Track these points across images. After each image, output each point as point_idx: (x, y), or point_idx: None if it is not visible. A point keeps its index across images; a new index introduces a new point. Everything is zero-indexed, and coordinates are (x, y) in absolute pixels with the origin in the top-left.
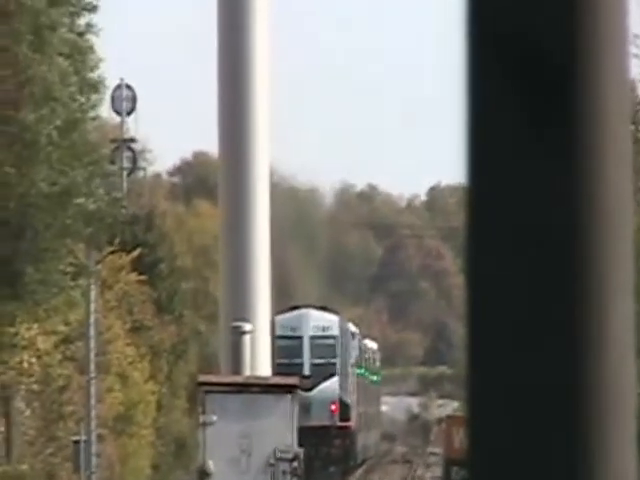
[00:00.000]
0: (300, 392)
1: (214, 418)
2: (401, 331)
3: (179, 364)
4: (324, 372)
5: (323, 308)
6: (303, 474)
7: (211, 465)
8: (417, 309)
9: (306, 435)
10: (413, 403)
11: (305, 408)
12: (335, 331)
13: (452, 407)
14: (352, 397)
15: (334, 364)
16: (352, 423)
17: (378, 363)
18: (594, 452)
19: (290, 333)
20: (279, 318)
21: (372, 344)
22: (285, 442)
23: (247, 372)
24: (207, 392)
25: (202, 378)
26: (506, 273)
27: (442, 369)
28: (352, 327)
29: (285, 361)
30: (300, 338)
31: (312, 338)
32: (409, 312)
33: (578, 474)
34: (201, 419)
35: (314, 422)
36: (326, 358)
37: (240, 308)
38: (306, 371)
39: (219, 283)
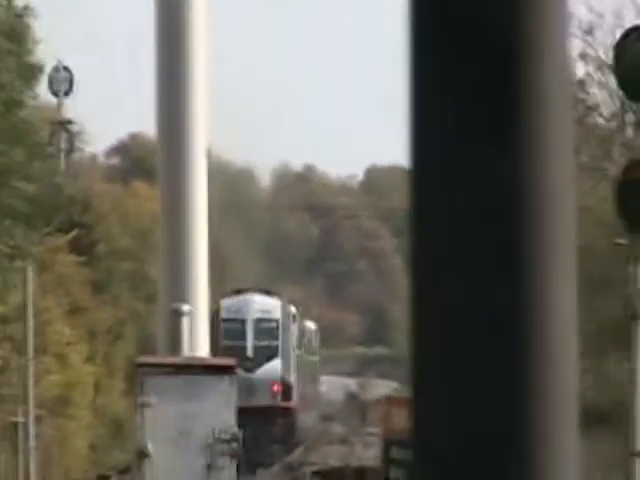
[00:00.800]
0: (244, 373)
1: (153, 399)
2: (339, 312)
3: (117, 345)
4: (266, 354)
5: (266, 292)
6: (242, 455)
7: (150, 446)
8: (355, 290)
9: (250, 415)
10: (351, 383)
11: (249, 389)
12: (277, 314)
13: (390, 387)
14: (293, 378)
15: (276, 346)
16: (293, 403)
17: (317, 344)
18: (537, 428)
19: (234, 316)
20: (224, 302)
21: (311, 325)
22: (224, 423)
23: (185, 353)
24: (145, 373)
25: (141, 359)
26: (449, 256)
27: (380, 349)
28: (293, 310)
29: (230, 343)
30: (243, 321)
31: (255, 321)
32: (347, 293)
33: (521, 453)
34: (139, 400)
35: (257, 402)
36: (268, 340)
37: (178, 290)
38: (249, 353)
39: (157, 265)
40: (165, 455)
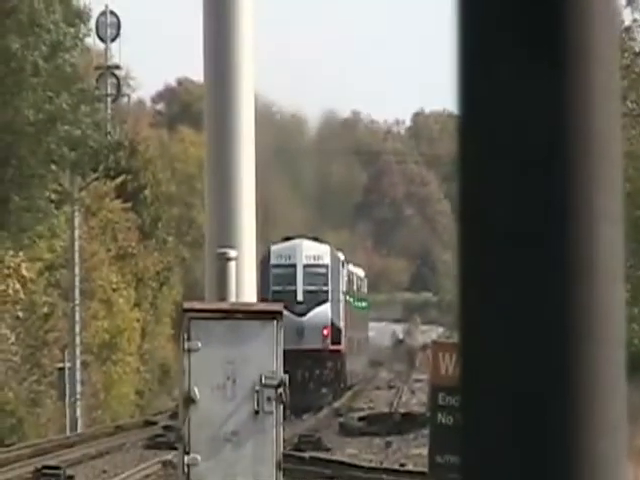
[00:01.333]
0: (294, 317)
1: (199, 344)
2: (386, 257)
3: (163, 291)
4: (316, 299)
5: (315, 239)
6: (289, 400)
7: (196, 391)
8: (401, 236)
9: (300, 358)
10: (398, 329)
11: (299, 333)
12: (326, 260)
13: (437, 333)
14: (342, 322)
15: (326, 291)
16: (342, 347)
17: (365, 290)
18: (584, 374)
19: (284, 262)
20: (274, 248)
21: (359, 271)
22: (270, 368)
23: (232, 299)
24: (192, 318)
25: (187, 304)
26: (498, 201)
27: (426, 295)
28: (342, 256)
29: (280, 288)
30: (294, 266)
31: (305, 266)
32: (394, 239)
33: (569, 399)
34: (185, 345)
35: (307, 345)
36: (318, 285)
37: (225, 235)
38: (300, 297)
39: (203, 210)
40: (211, 401)
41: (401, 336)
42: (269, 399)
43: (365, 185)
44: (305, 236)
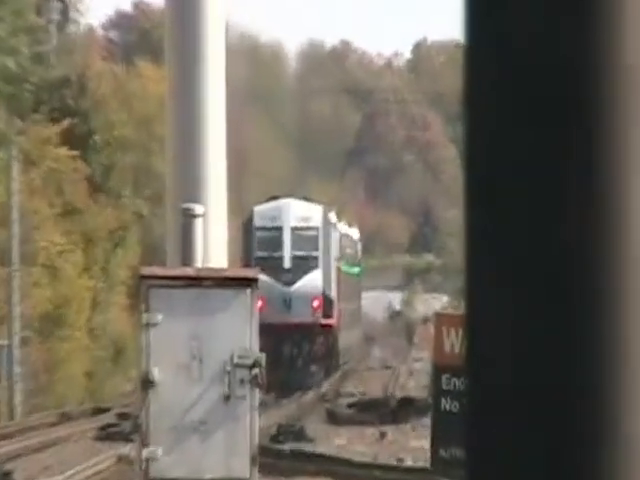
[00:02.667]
0: (280, 287)
1: (159, 317)
2: (382, 214)
3: (117, 254)
4: (306, 266)
5: (305, 198)
6: (265, 383)
7: (156, 372)
8: (400, 188)
9: (287, 332)
10: (394, 298)
11: (286, 304)
12: (317, 222)
13: (440, 302)
14: (335, 292)
15: (316, 257)
16: (334, 320)
17: (359, 254)
18: (606, 357)
19: (270, 224)
20: (257, 209)
21: (353, 232)
22: (244, 345)
23: (198, 263)
24: (151, 287)
25: (145, 270)
26: (512, 146)
27: (428, 258)
28: (334, 217)
29: (264, 254)
30: (280, 229)
31: (293, 229)
32: (391, 191)
33: (599, 385)
34: (144, 319)
35: (295, 319)
36: (308, 251)
37: (190, 187)
38: (286, 264)
39: (166, 158)
40: (175, 384)
41: (398, 307)
42: (242, 381)
43: (357, 128)
44: (293, 195)
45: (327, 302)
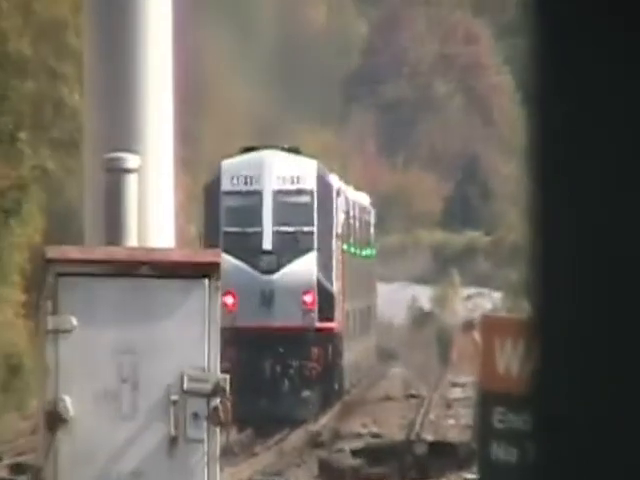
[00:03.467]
0: (258, 275)
1: (73, 322)
2: (402, 171)
3: (10, 226)
4: (295, 246)
5: (292, 150)
6: (230, 418)
7: (68, 403)
8: (429, 133)
9: (267, 342)
10: (422, 294)
11: (266, 300)
12: (311, 183)
13: (490, 301)
14: (336, 284)
15: (310, 234)
16: (336, 323)
17: (372, 229)
18: None
19: (243, 187)
20: (226, 165)
21: (363, 199)
22: (199, 363)
23: (131, 242)
24: (60, 276)
25: (52, 252)
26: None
27: (472, 235)
28: (335, 178)
29: (236, 229)
30: (258, 194)
31: (276, 194)
32: (414, 139)
33: None
34: (50, 323)
35: (279, 322)
36: (297, 225)
37: (119, 128)
38: (267, 244)
39: (84, 86)
40: (95, 420)
41: (427, 306)
42: (196, 417)
43: (364, 43)
44: (276, 145)
45: (325, 297)
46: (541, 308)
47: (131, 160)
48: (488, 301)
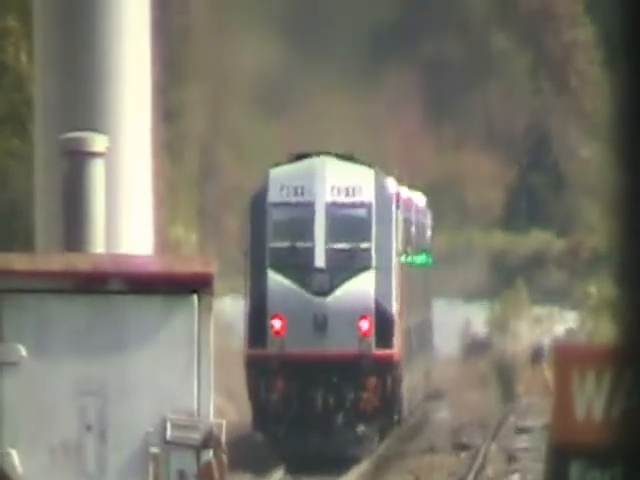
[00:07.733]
0: (310, 297)
1: (21, 352)
2: (453, 154)
3: None
4: (350, 264)
5: (347, 158)
6: (225, 478)
7: (15, 460)
8: (485, 98)
9: (319, 370)
10: (476, 314)
11: (318, 324)
12: (368, 195)
13: (567, 324)
14: (396, 305)
15: (367, 250)
16: (396, 350)
17: (429, 232)
18: None
19: (293, 198)
20: (274, 172)
21: (418, 199)
22: (185, 405)
23: (98, 248)
24: (3, 292)
25: None
26: None
27: (540, 236)
28: (393, 184)
29: (284, 245)
30: (310, 205)
31: (330, 206)
32: (466, 106)
33: None
34: None
35: (332, 348)
36: (353, 241)
37: (81, 101)
38: (319, 261)
39: (34, 46)
40: None
41: (484, 331)
42: (182, 475)
43: None
44: (330, 152)
45: (383, 322)
46: (636, 332)
47: (97, 141)
48: (562, 324)
